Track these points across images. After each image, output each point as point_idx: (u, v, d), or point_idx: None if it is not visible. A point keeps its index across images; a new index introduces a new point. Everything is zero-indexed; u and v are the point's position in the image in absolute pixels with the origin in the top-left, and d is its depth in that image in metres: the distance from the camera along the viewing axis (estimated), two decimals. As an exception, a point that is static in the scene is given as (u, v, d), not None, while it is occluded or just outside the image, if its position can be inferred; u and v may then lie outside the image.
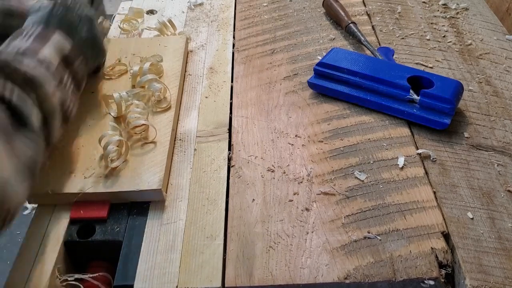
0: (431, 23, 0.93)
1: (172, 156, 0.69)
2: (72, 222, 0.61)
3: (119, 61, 0.82)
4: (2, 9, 0.69)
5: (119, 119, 0.72)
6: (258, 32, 0.93)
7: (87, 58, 0.68)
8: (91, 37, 0.68)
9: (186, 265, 0.56)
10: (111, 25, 0.96)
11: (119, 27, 0.94)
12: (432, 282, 0.53)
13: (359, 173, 0.65)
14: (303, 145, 0.69)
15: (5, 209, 0.48)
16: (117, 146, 0.65)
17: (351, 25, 0.87)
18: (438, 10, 0.97)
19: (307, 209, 0.61)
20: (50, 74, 0.59)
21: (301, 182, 0.64)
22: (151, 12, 1.01)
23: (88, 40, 0.68)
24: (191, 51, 0.89)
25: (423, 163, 0.66)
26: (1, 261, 1.57)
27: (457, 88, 0.71)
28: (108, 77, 0.80)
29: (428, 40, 0.88)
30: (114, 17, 0.99)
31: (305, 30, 0.92)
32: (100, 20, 0.74)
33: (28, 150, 0.52)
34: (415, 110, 0.70)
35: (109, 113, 0.72)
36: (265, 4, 1.01)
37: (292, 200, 0.62)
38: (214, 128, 0.73)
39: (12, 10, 0.69)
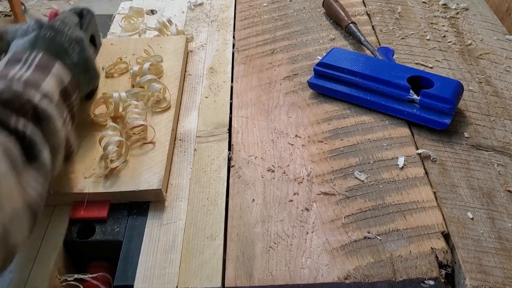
0: (431, 23, 0.93)
1: (172, 156, 0.69)
2: (72, 222, 0.61)
3: (120, 59, 0.82)
4: None
5: (118, 119, 0.72)
6: (258, 32, 0.93)
7: (80, 83, 0.64)
8: (82, 60, 0.64)
9: (186, 265, 0.56)
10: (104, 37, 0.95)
11: (120, 26, 0.94)
12: (432, 282, 0.53)
13: (359, 173, 0.65)
14: (303, 145, 0.69)
15: (10, 245, 0.46)
16: (117, 147, 0.65)
17: (351, 25, 0.87)
18: (438, 10, 0.97)
19: (307, 209, 0.61)
20: (55, 108, 0.56)
21: (301, 182, 0.64)
22: (151, 12, 1.01)
23: (80, 63, 0.64)
24: (191, 51, 0.89)
25: (423, 163, 0.66)
26: (1, 261, 1.57)
27: (457, 88, 0.71)
28: (109, 76, 0.80)
29: (428, 40, 0.88)
30: (114, 17, 0.99)
31: (305, 30, 0.92)
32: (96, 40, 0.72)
33: (38, 186, 0.50)
34: (415, 110, 0.70)
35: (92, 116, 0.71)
36: (265, 4, 1.01)
37: (292, 200, 0.62)
38: (214, 128, 0.73)
39: None
